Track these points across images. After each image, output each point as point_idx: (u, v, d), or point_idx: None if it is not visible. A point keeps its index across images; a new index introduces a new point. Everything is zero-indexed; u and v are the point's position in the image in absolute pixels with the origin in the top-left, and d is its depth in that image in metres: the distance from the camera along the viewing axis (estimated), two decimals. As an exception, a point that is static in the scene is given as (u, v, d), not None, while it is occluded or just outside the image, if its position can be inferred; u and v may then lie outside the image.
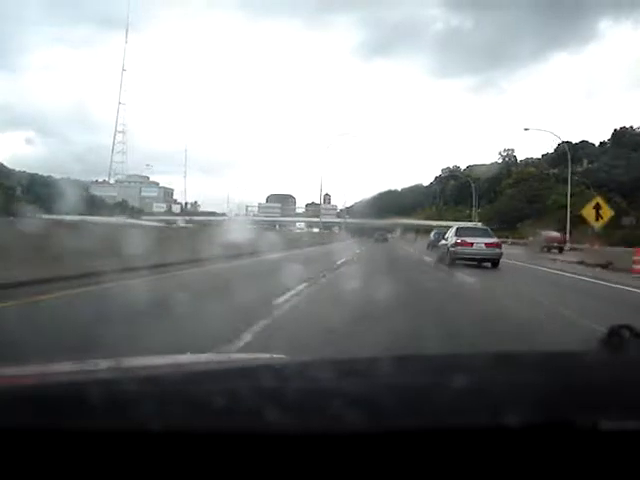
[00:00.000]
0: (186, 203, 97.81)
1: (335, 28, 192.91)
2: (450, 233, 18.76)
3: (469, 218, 77.33)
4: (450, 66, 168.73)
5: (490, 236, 18.13)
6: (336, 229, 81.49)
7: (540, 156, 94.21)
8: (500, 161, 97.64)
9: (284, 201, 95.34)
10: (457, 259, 16.99)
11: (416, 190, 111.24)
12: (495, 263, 16.93)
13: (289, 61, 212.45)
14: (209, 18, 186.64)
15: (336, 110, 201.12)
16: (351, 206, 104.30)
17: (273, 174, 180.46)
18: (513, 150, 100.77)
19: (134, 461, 0.68)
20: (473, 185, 73.81)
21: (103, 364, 1.24)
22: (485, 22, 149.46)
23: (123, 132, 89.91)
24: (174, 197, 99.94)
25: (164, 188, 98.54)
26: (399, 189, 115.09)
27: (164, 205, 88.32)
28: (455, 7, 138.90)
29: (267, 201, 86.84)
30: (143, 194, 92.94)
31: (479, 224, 66.37)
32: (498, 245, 17.61)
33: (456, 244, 17.34)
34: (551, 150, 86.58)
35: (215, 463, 0.69)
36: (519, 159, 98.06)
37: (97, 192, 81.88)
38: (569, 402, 0.81)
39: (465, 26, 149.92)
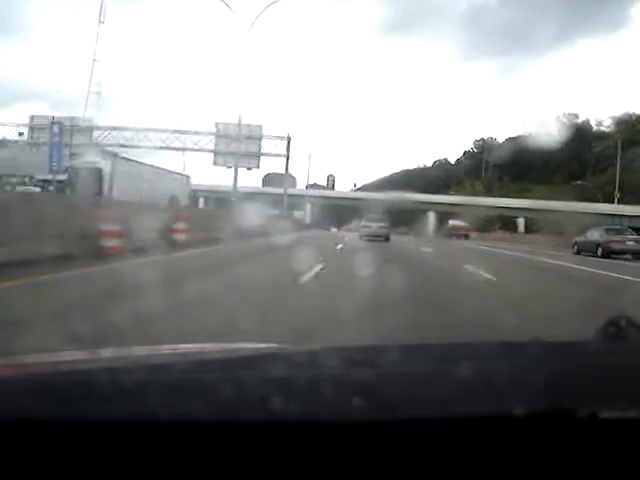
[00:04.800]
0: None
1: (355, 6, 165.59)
2: (363, 219, 30.30)
3: (586, 196, 52.50)
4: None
5: (384, 222, 29.19)
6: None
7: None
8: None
9: (282, 181, 68.54)
10: (363, 236, 27.27)
11: (442, 167, 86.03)
12: (387, 238, 27.21)
13: (308, 36, 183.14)
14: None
15: (348, 91, 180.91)
16: (357, 189, 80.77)
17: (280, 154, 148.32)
18: (577, 115, 77.97)
19: (140, 450, 0.69)
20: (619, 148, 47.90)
21: (109, 353, 1.31)
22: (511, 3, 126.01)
23: (98, 93, 66.25)
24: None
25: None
26: (415, 167, 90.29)
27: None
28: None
29: (263, 182, 66.47)
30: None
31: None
32: (387, 227, 28.93)
33: (362, 226, 29.18)
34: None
35: (220, 452, 0.69)
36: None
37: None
38: (569, 391, 0.81)
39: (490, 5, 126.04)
